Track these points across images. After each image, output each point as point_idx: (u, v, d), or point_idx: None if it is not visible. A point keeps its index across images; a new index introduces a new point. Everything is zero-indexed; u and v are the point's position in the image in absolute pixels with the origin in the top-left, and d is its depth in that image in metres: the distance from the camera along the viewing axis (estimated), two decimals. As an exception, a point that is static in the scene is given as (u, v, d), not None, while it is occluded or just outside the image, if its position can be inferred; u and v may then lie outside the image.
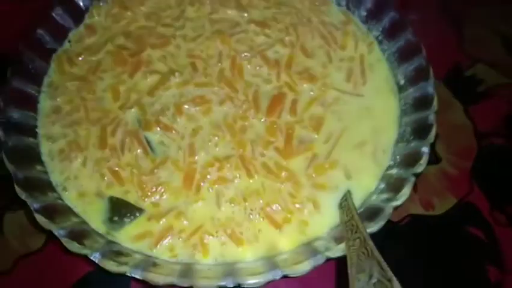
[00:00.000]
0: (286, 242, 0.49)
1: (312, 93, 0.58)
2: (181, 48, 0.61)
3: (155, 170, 0.52)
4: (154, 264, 0.45)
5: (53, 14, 0.60)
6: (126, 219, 0.49)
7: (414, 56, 0.56)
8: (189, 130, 0.55)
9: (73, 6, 0.63)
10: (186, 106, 0.56)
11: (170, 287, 0.43)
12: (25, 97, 0.55)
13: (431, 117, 0.51)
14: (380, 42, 0.62)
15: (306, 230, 0.49)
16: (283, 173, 0.52)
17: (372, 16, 0.63)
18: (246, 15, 0.64)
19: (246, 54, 0.60)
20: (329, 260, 0.43)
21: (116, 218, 0.49)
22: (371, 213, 0.46)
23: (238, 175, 0.52)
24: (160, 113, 0.55)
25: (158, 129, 0.55)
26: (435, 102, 0.52)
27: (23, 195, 0.46)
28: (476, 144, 0.64)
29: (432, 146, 0.62)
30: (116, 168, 0.52)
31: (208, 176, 0.52)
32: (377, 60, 0.61)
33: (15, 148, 0.50)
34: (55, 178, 0.52)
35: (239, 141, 0.54)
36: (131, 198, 0.51)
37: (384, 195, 0.48)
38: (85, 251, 0.43)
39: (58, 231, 0.44)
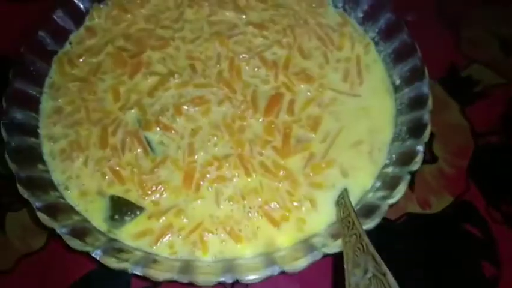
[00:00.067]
0: (284, 239, 0.49)
1: (309, 93, 0.59)
2: (180, 50, 0.62)
3: (156, 169, 0.53)
4: (155, 261, 0.45)
5: (54, 16, 0.61)
6: (127, 218, 0.50)
7: (410, 56, 0.57)
8: (188, 130, 0.56)
9: (74, 9, 0.64)
10: (185, 107, 0.57)
11: (170, 284, 0.44)
12: (27, 98, 0.56)
13: (426, 117, 0.51)
14: (376, 43, 0.63)
15: (304, 227, 0.50)
16: (281, 172, 0.53)
17: (369, 18, 0.64)
18: (244, 17, 0.65)
19: (244, 55, 0.61)
20: (325, 256, 0.44)
21: (117, 216, 0.50)
22: (367, 210, 0.47)
23: (236, 174, 0.53)
24: (160, 114, 0.56)
25: (158, 129, 0.55)
26: (430, 102, 0.53)
27: (25, 194, 0.46)
28: (472, 144, 0.65)
29: (429, 146, 0.64)
30: (117, 168, 0.53)
31: (208, 175, 0.52)
32: (373, 61, 0.62)
33: (18, 148, 0.51)
34: (57, 177, 0.53)
35: (237, 141, 0.55)
36: (132, 196, 0.52)
37: (380, 193, 0.49)
38: (86, 248, 0.43)
39: (60, 229, 0.44)
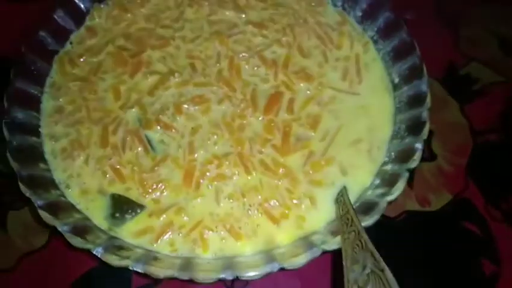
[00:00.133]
0: (283, 236, 0.49)
1: (308, 92, 0.59)
2: (180, 49, 0.62)
3: (156, 168, 0.53)
4: (155, 258, 0.46)
5: (55, 16, 0.61)
6: (127, 216, 0.50)
7: (408, 55, 0.57)
8: (189, 129, 0.56)
9: (74, 8, 0.64)
10: (186, 105, 0.57)
11: (170, 281, 0.44)
12: (28, 98, 0.56)
13: (425, 115, 0.52)
14: (375, 42, 0.63)
15: (303, 225, 0.50)
16: (280, 170, 0.53)
17: (368, 16, 0.64)
18: (243, 16, 0.65)
19: (243, 54, 0.61)
20: (325, 252, 0.44)
21: (118, 214, 0.50)
22: (366, 207, 0.47)
23: (236, 172, 0.53)
24: (160, 112, 0.56)
25: (159, 128, 0.56)
26: (428, 100, 0.53)
27: (27, 193, 0.47)
28: (471, 142, 0.65)
29: (428, 143, 0.64)
30: (118, 166, 0.53)
31: (208, 173, 0.53)
32: (372, 60, 0.62)
33: (20, 147, 0.51)
34: (58, 176, 0.53)
35: (237, 139, 0.55)
36: (133, 195, 0.52)
37: (379, 190, 0.49)
38: (87, 246, 0.44)
39: (62, 227, 0.45)
